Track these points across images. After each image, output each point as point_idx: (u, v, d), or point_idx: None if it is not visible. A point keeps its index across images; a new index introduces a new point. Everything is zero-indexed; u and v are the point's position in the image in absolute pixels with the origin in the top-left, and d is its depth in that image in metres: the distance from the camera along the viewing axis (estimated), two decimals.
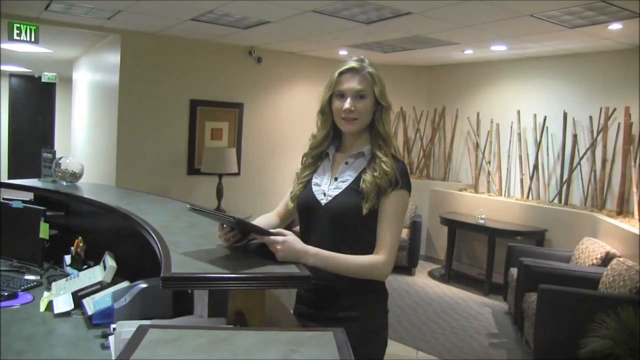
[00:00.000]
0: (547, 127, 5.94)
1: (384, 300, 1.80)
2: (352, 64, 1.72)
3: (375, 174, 1.67)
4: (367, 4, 4.13)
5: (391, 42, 5.64)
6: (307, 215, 1.77)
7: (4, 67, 9.67)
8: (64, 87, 10.53)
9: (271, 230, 1.54)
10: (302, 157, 1.88)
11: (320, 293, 1.71)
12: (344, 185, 1.72)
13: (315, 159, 1.84)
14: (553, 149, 5.94)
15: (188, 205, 1.62)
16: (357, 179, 1.71)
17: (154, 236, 1.70)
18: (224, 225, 1.57)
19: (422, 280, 6.09)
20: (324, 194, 1.74)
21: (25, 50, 6.78)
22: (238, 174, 6.31)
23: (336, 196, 1.72)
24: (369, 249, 1.67)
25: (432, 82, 7.41)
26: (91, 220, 2.76)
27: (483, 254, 5.88)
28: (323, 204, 1.72)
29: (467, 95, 6.92)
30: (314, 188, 1.77)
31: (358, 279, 1.65)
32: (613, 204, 5.27)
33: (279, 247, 1.48)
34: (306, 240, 1.66)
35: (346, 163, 1.77)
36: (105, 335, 1.72)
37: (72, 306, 1.95)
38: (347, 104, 1.69)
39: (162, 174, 6.02)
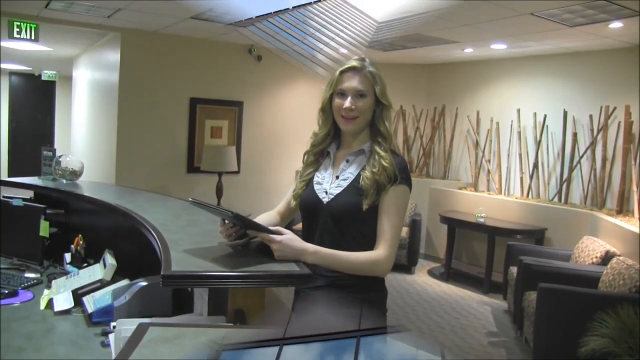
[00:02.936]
0: (547, 126, 5.94)
1: (385, 298, 1.80)
2: (354, 63, 1.73)
3: (374, 170, 1.68)
4: None
5: (391, 40, 5.63)
6: (309, 213, 1.78)
7: (4, 65, 9.66)
8: (63, 85, 10.51)
9: (270, 228, 1.54)
10: (304, 155, 1.88)
11: (322, 290, 1.70)
12: (345, 184, 1.73)
13: (317, 156, 1.84)
14: (553, 148, 5.94)
15: (190, 199, 1.63)
16: (358, 177, 1.71)
17: (154, 234, 1.70)
18: (226, 221, 1.58)
19: (422, 279, 6.09)
20: (326, 193, 1.75)
21: (25, 48, 6.78)
22: (238, 172, 6.31)
23: (338, 194, 1.72)
24: (371, 246, 1.67)
25: (432, 80, 7.41)
26: (91, 218, 2.76)
27: (483, 253, 5.87)
28: (325, 202, 1.73)
29: (467, 94, 6.91)
30: (316, 187, 1.78)
31: (361, 276, 1.66)
32: (613, 202, 5.27)
33: (275, 246, 1.48)
34: (309, 239, 1.66)
35: (347, 161, 1.78)
36: (105, 333, 1.72)
37: (72, 304, 1.95)
38: (348, 102, 1.70)
39: (161, 172, 6.02)
